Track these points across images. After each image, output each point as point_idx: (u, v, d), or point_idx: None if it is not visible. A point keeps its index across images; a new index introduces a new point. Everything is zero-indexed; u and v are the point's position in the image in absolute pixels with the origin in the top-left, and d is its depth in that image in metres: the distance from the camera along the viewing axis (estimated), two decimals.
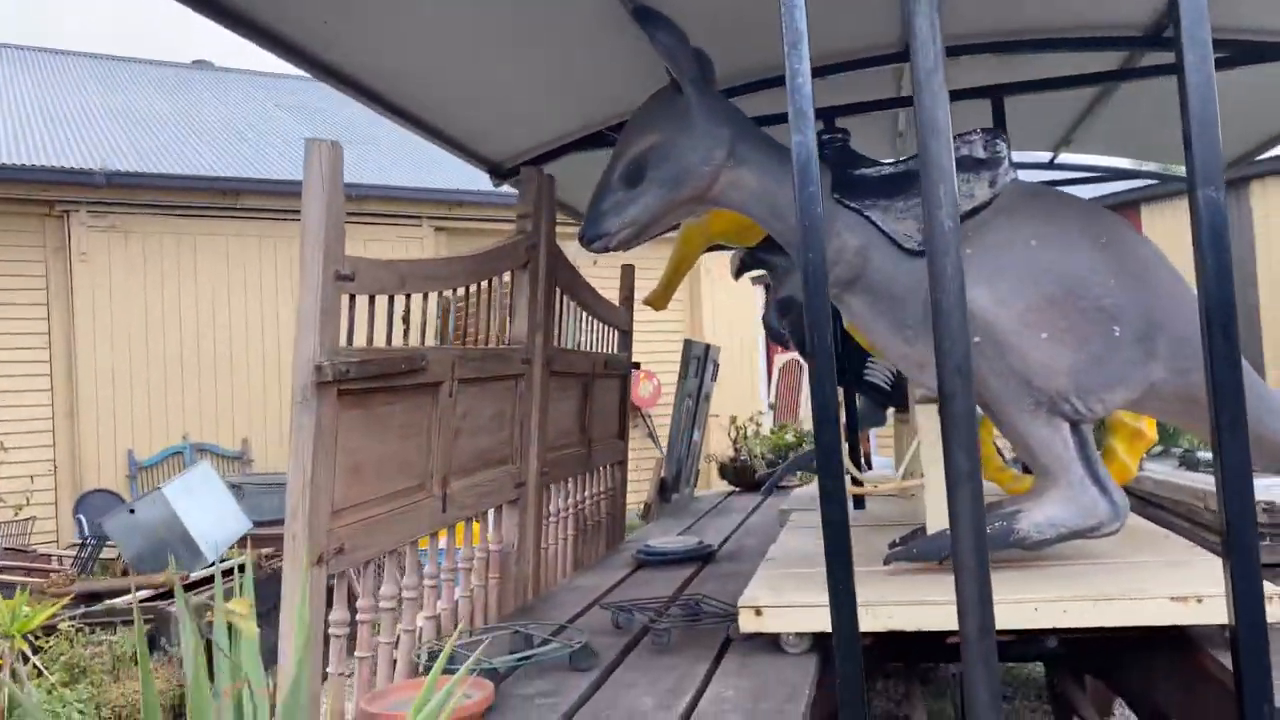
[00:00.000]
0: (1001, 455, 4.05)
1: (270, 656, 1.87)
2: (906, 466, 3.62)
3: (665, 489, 6.08)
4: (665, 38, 2.80)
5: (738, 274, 3.23)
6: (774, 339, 2.87)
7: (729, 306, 13.72)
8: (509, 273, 3.58)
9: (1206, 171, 1.71)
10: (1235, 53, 3.70)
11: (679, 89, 2.86)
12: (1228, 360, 1.68)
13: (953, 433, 1.69)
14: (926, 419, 2.80)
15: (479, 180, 12.83)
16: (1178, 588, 2.32)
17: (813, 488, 5.45)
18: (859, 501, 3.99)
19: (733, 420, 7.46)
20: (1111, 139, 5.14)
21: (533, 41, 3.23)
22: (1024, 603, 2.36)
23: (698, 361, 6.39)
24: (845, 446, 5.11)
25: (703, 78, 2.87)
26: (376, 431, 2.53)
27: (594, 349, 4.61)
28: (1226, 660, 2.10)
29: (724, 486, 6.92)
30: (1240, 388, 1.70)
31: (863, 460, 4.64)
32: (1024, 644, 2.73)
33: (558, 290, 3.96)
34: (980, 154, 2.67)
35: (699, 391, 6.38)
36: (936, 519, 2.78)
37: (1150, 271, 2.56)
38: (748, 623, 2.52)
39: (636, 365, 13.54)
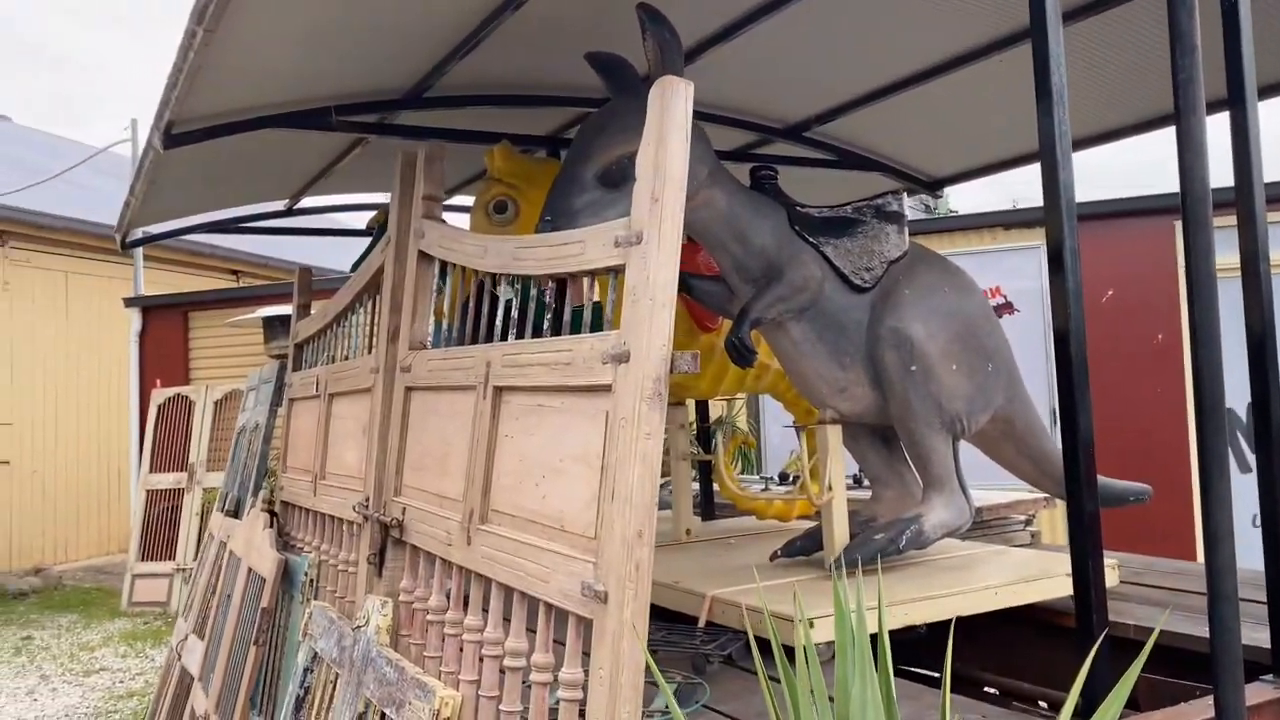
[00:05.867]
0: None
1: None
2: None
3: None
4: (671, 41, 2.72)
5: None
6: (741, 360, 2.89)
7: (40, 326, 11.48)
8: None
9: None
10: (841, 157, 4.81)
11: None
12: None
13: (1209, 425, 2.09)
14: (834, 438, 3.12)
15: None
16: (1061, 568, 3.02)
17: None
18: (709, 513, 4.02)
19: None
20: None
21: None
22: (988, 589, 2.84)
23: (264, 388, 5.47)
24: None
25: None
26: None
27: None
28: None
29: None
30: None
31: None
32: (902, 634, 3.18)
33: None
34: (899, 209, 3.13)
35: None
36: (843, 528, 3.11)
37: (994, 318, 3.29)
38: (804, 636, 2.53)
39: None
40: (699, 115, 4.21)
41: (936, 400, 3.02)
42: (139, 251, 11.32)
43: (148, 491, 9.31)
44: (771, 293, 2.93)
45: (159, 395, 9.51)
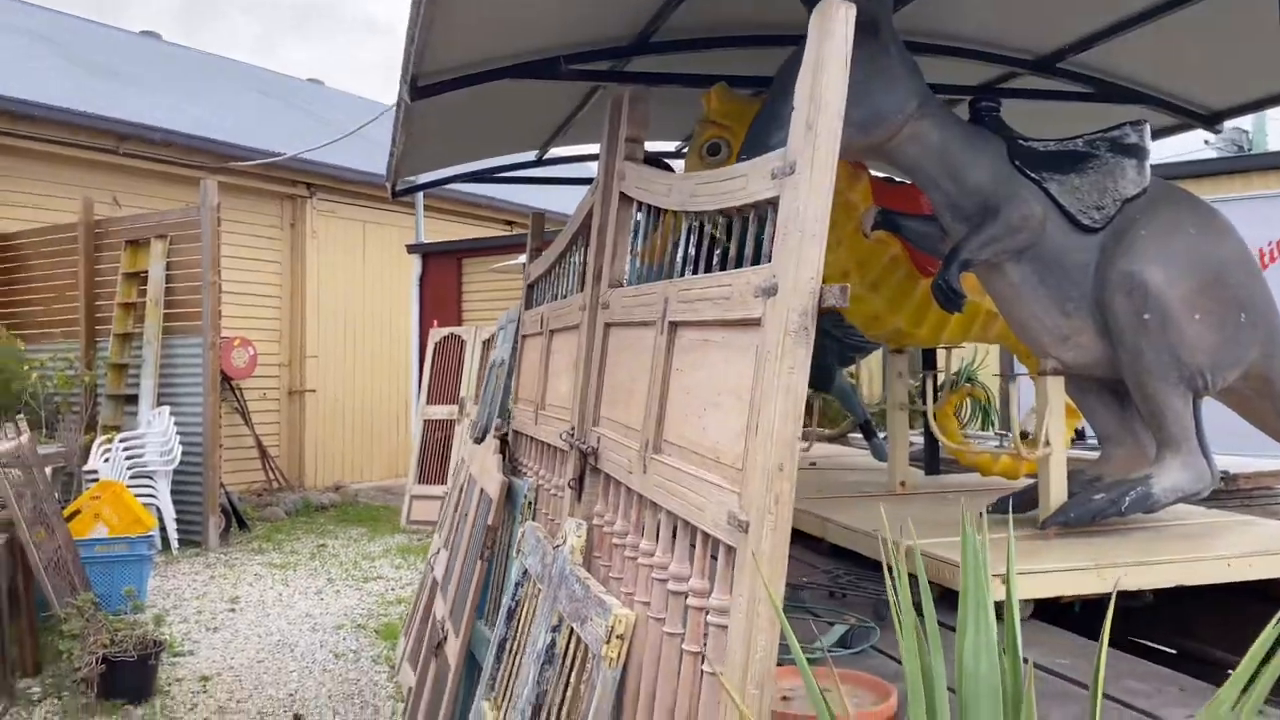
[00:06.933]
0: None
1: None
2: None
3: None
4: None
5: (871, 230, 3.09)
6: (949, 304, 2.79)
7: (341, 270, 12.77)
8: None
9: None
10: (1098, 89, 4.40)
11: (869, 30, 2.68)
12: None
13: None
14: (1054, 390, 2.93)
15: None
16: None
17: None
18: (931, 467, 4.02)
19: None
20: None
21: None
22: (1220, 559, 2.59)
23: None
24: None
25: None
26: None
27: None
28: None
29: None
30: None
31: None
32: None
33: None
34: (1139, 142, 2.86)
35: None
36: (1060, 486, 2.92)
37: (1254, 264, 2.95)
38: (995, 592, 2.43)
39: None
40: (936, 49, 4.04)
41: (1174, 352, 2.75)
42: (420, 202, 12.28)
43: (425, 421, 10.20)
44: (984, 232, 2.77)
45: (435, 334, 10.35)
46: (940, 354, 4.28)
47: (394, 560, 8.30)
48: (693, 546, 1.97)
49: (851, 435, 5.58)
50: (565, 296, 3.48)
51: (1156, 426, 2.86)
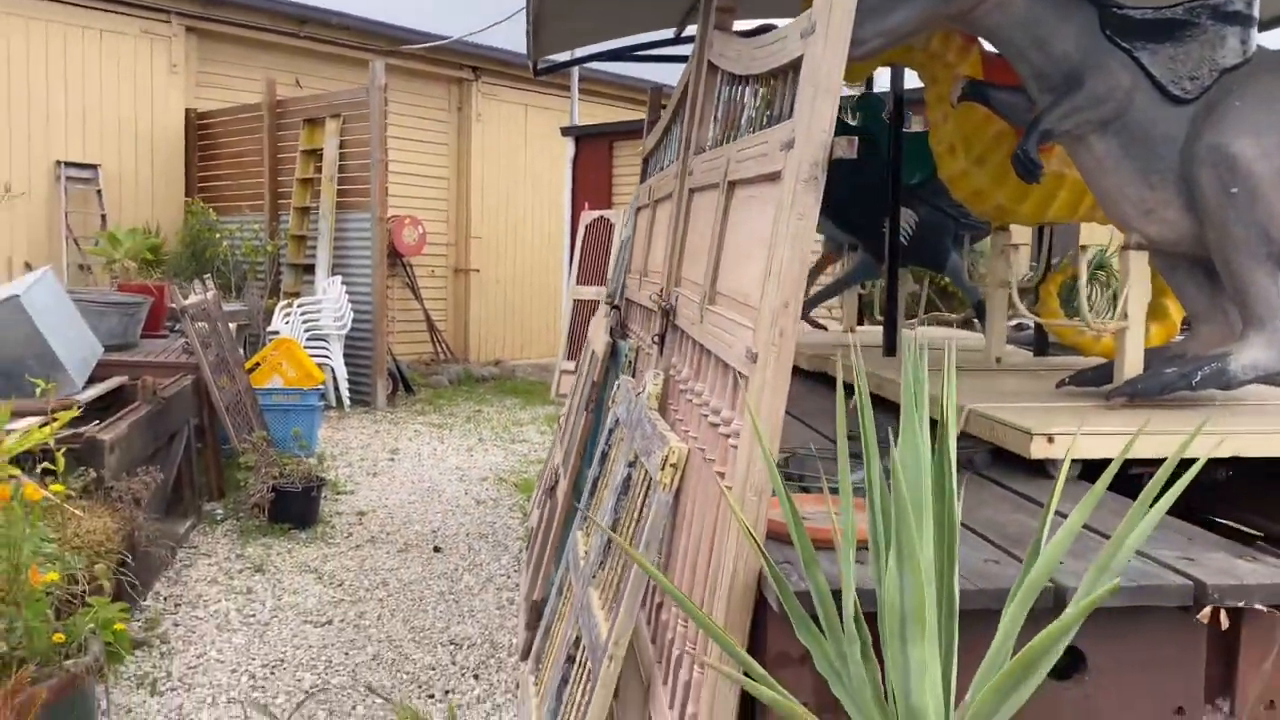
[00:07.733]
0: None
1: None
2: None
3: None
4: None
5: (959, 100, 3.13)
6: (1026, 174, 2.83)
7: (504, 153, 13.23)
8: None
9: None
10: None
11: None
12: None
13: None
14: (1136, 264, 2.93)
15: None
16: None
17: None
18: (1040, 348, 4.14)
19: None
20: None
21: None
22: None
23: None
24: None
25: None
26: None
27: None
28: None
29: None
30: None
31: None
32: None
33: None
34: (1243, 9, 2.76)
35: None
36: (1136, 359, 2.95)
37: None
38: (1039, 449, 2.55)
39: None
40: None
41: (1262, 228, 2.70)
42: (574, 85, 12.48)
43: (574, 301, 10.63)
44: (1067, 103, 2.76)
45: (586, 217, 10.67)
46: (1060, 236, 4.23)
47: (540, 427, 8.86)
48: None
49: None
50: (668, 167, 3.66)
51: (1241, 304, 2.82)
